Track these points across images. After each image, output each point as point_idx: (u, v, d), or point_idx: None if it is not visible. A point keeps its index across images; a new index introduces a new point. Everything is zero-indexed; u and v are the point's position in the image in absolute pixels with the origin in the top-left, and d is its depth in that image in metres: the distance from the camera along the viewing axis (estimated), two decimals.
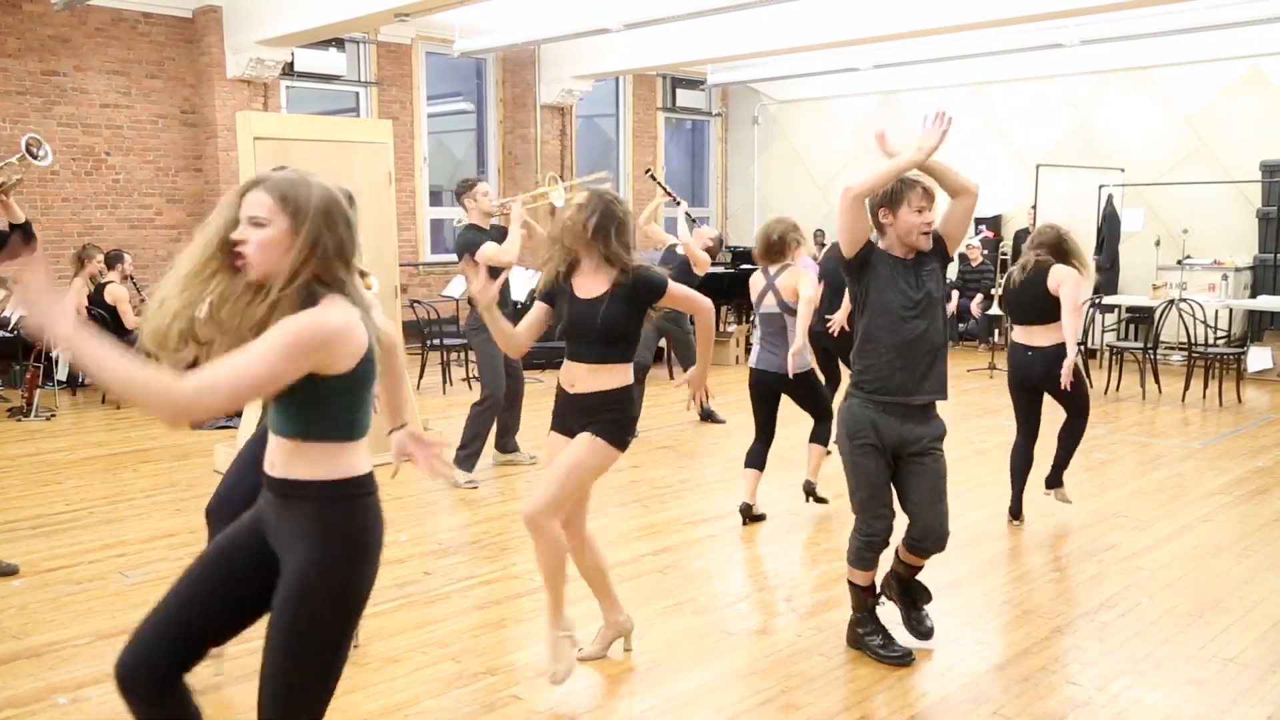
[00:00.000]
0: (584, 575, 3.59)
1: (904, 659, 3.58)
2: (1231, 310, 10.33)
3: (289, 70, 10.60)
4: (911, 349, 3.45)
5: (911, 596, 3.80)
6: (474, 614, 4.08)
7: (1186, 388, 8.91)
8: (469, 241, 5.86)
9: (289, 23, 9.42)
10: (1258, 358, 9.92)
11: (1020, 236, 12.04)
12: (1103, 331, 10.63)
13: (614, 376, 3.32)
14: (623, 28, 9.64)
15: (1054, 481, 5.38)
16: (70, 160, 9.80)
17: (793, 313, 5.08)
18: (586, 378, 3.33)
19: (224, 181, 10.24)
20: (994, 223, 12.68)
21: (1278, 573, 4.52)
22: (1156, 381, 9.14)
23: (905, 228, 3.44)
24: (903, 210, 3.43)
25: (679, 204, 7.68)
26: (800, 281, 5.06)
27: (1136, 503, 5.65)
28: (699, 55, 11.43)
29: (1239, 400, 8.73)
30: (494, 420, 6.06)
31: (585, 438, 3.29)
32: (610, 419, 3.31)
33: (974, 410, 8.32)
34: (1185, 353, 9.29)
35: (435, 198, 12.59)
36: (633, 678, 3.52)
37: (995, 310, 11.37)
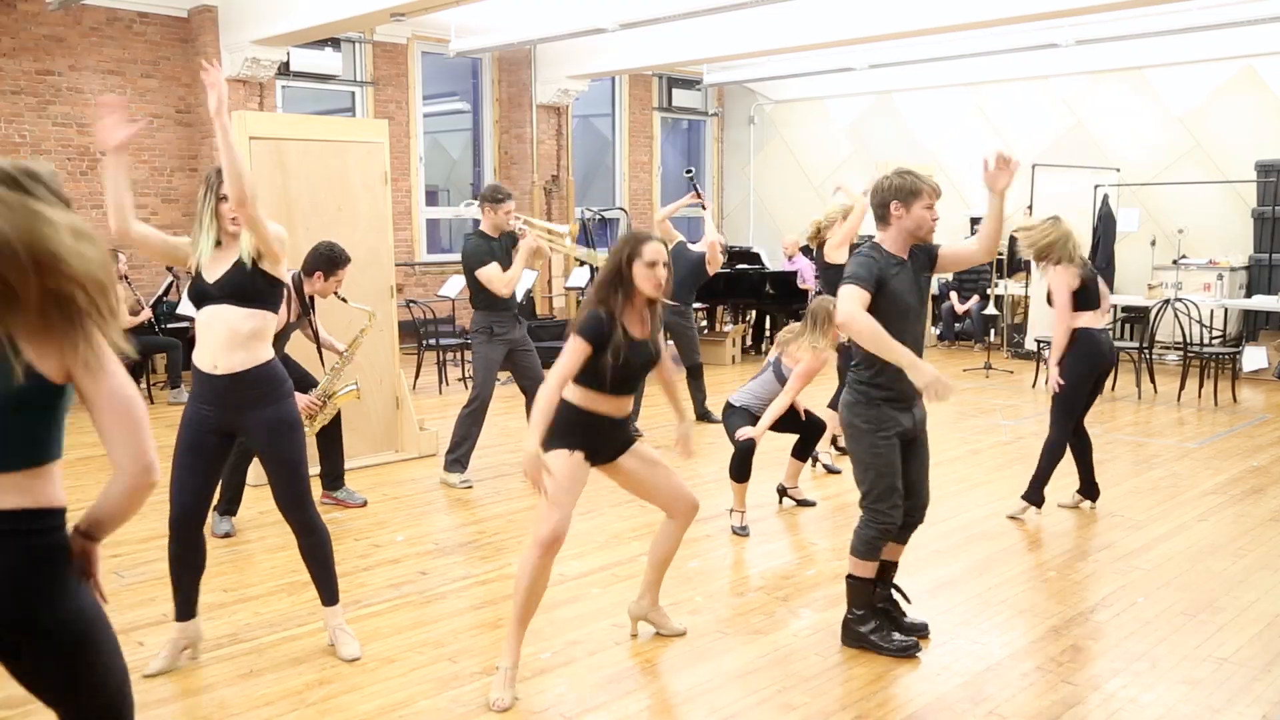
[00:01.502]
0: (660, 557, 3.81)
1: (911, 649, 3.65)
2: (1227, 310, 10.35)
3: (284, 70, 10.58)
4: (915, 347, 3.56)
5: (892, 616, 3.85)
6: (470, 614, 4.08)
7: (1182, 387, 8.93)
8: (476, 250, 5.96)
9: (284, 22, 9.40)
10: (1253, 357, 9.94)
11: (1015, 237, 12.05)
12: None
13: None
14: (618, 27, 9.64)
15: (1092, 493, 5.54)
16: (65, 160, 9.78)
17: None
18: (629, 405, 3.49)
19: None
20: None
21: (1272, 572, 4.53)
22: (1152, 381, 9.16)
23: (916, 221, 3.57)
24: (916, 205, 3.55)
25: (705, 207, 7.79)
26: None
27: (1132, 502, 5.67)
28: (695, 55, 11.43)
29: (1234, 400, 8.75)
30: (481, 422, 6.06)
31: (641, 444, 3.59)
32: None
33: (969, 410, 8.33)
34: (1181, 352, 9.31)
35: (431, 197, 12.59)
36: (630, 678, 3.52)
37: (991, 310, 11.39)
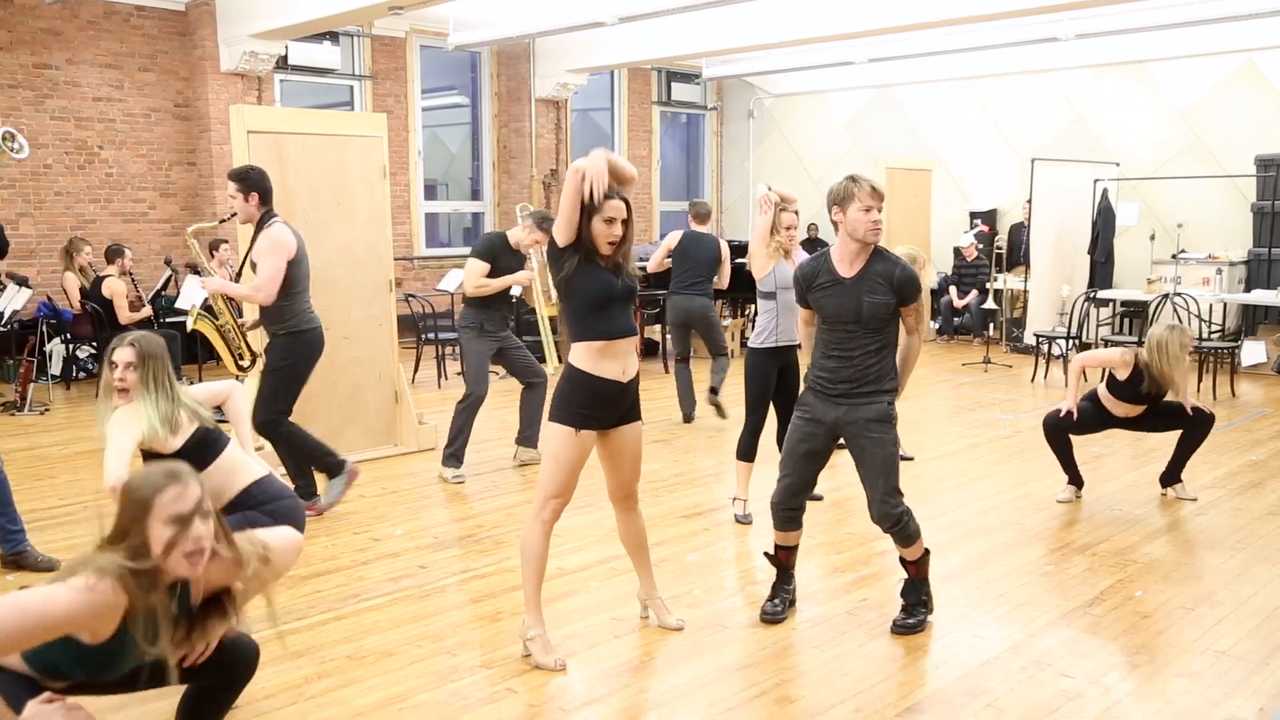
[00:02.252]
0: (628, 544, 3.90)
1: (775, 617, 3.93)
2: (1226, 304, 10.34)
3: (283, 64, 10.57)
4: (843, 354, 3.76)
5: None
6: (469, 608, 4.08)
7: None
8: (483, 243, 6.15)
9: (283, 16, 9.39)
10: (1251, 352, 9.94)
11: (1015, 231, 12.05)
12: (1097, 325, 10.65)
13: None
14: (617, 21, 9.62)
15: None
16: (63, 154, 9.77)
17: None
18: (632, 355, 3.51)
19: (217, 175, 10.22)
20: (989, 217, 12.68)
21: (1271, 566, 4.53)
22: None
23: (853, 224, 3.63)
24: (851, 208, 3.62)
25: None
26: None
27: (1130, 496, 5.67)
28: (694, 49, 11.42)
29: (1233, 394, 8.75)
30: (474, 417, 6.07)
31: (640, 427, 3.64)
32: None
33: (968, 404, 8.31)
34: None
35: (430, 191, 12.57)
36: (628, 671, 3.52)
37: (990, 304, 11.38)
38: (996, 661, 3.59)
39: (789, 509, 3.91)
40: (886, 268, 3.66)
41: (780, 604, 3.96)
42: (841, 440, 3.85)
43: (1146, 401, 5.36)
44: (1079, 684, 3.41)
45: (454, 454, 6.01)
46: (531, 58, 12.52)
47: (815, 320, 3.83)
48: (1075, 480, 5.59)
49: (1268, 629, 3.84)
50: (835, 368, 3.72)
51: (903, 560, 3.87)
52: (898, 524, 3.76)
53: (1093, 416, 5.49)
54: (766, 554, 4.06)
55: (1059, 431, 5.51)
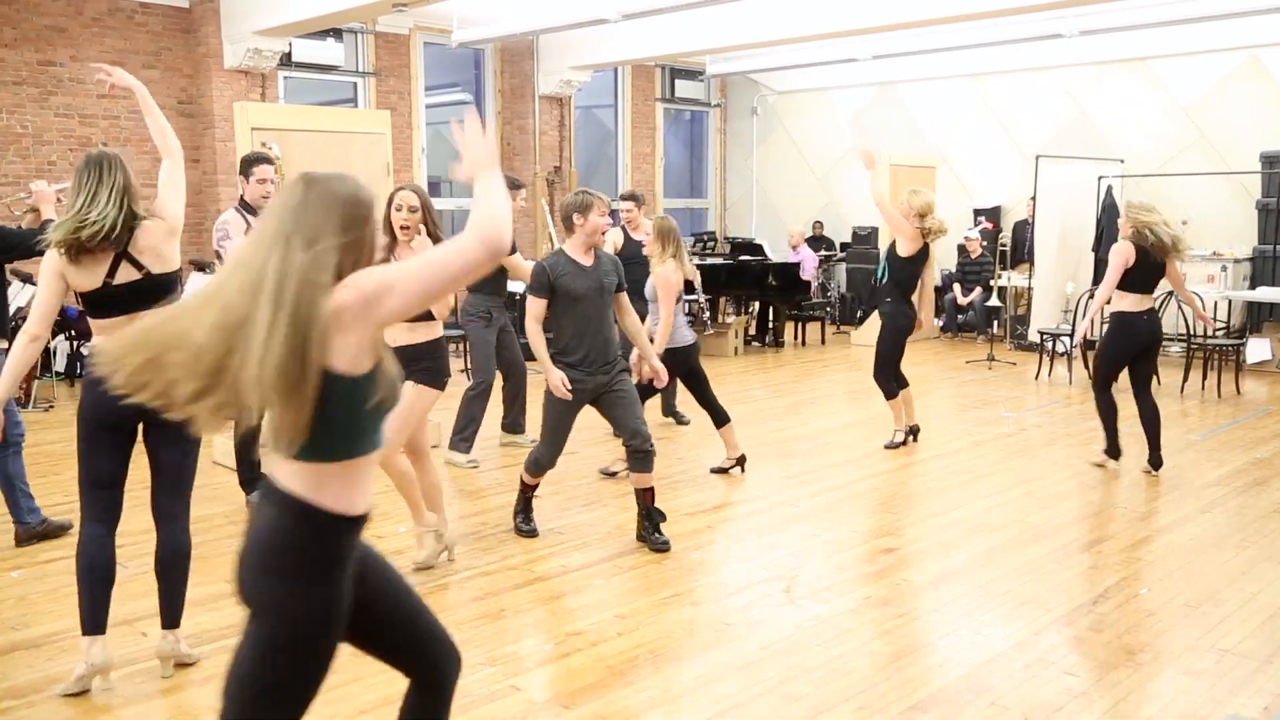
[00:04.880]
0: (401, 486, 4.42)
1: (533, 533, 4.87)
2: (1231, 302, 10.32)
3: (287, 61, 10.56)
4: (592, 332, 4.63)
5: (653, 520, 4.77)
6: (473, 605, 4.08)
7: (1185, 379, 8.91)
8: None
9: (286, 13, 9.38)
10: (1256, 349, 9.92)
11: (1019, 228, 12.02)
12: (1102, 322, 10.63)
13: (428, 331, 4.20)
14: (621, 18, 9.61)
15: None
16: (68, 151, 9.77)
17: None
18: (402, 333, 4.09)
19: (221, 172, 10.22)
20: (993, 214, 12.66)
21: (1275, 564, 4.53)
22: (1155, 373, 9.12)
23: (591, 228, 4.57)
24: (591, 215, 4.56)
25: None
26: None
27: (1135, 494, 5.66)
28: (698, 46, 11.40)
29: (1238, 392, 8.73)
30: (486, 404, 6.18)
31: (409, 386, 4.06)
32: (426, 367, 4.21)
33: (972, 402, 8.31)
34: (1184, 344, 9.29)
35: (434, 188, 12.56)
36: (632, 669, 3.52)
37: (994, 301, 11.37)
38: (1000, 659, 3.59)
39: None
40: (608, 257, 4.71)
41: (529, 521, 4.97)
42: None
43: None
44: (1082, 682, 3.41)
45: (465, 439, 6.13)
46: (535, 55, 12.51)
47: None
48: (1113, 451, 6.00)
49: (1272, 627, 3.84)
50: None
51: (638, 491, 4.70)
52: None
53: (1123, 342, 6.10)
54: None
55: (1105, 388, 6.00)
